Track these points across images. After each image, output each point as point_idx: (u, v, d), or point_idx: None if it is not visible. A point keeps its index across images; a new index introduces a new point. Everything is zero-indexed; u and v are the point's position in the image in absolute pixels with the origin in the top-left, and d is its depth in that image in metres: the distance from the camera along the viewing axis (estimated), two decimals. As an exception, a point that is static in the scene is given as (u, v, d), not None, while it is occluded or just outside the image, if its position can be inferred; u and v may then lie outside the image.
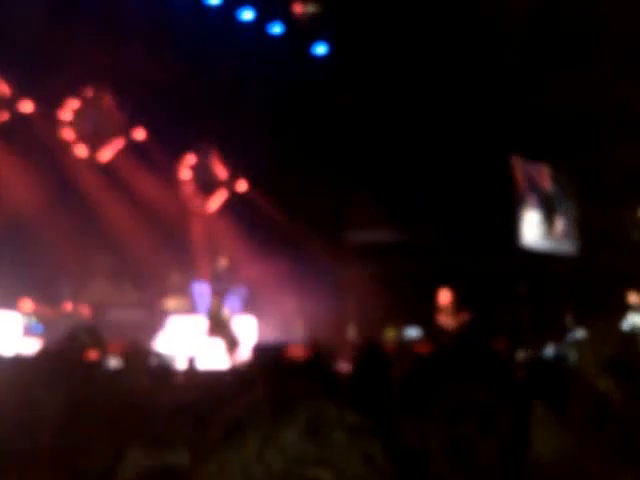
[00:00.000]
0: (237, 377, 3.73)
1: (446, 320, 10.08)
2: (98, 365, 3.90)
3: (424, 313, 10.48)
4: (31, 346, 7.32)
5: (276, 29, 12.06)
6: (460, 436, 1.14)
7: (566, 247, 13.48)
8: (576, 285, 10.96)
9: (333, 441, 0.79)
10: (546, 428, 1.41)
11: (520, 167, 12.95)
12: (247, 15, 11.69)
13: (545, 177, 13.59)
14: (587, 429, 1.69)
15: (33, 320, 8.74)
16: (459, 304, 10.13)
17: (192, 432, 1.80)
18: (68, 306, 9.37)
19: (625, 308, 10.42)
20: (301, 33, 12.13)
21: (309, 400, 0.83)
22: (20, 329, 8.56)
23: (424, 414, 1.16)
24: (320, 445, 0.78)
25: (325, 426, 0.80)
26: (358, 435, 0.80)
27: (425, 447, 1.14)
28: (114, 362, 4.26)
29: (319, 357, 5.64)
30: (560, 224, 13.58)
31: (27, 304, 8.98)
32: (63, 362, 2.94)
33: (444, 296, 10.12)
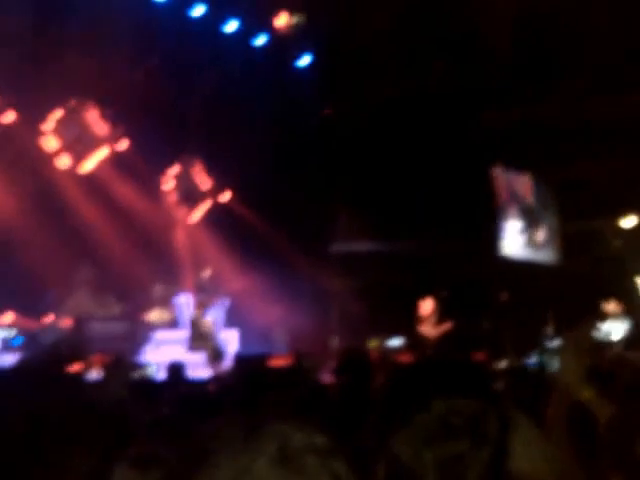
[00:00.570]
0: (219, 389, 3.74)
1: (428, 330, 10.15)
2: (79, 378, 3.89)
3: (407, 323, 10.54)
4: (10, 359, 7.26)
5: (260, 41, 12.12)
6: (450, 451, 1.12)
7: (546, 256, 13.61)
8: (556, 294, 11.06)
9: (303, 466, 0.81)
10: (527, 440, 1.38)
11: (501, 178, 13.08)
12: (231, 27, 11.74)
13: (526, 188, 13.73)
14: (569, 439, 1.70)
15: (14, 333, 8.66)
16: (441, 314, 10.21)
17: (171, 450, 1.81)
18: (50, 318, 9.29)
19: (603, 317, 10.56)
20: (285, 45, 12.20)
21: (278, 426, 0.85)
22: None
23: (409, 428, 1.14)
24: (291, 472, 0.80)
25: (295, 452, 0.82)
26: (327, 458, 0.82)
27: (415, 463, 1.13)
28: (95, 375, 4.25)
29: (302, 367, 5.66)
30: (541, 234, 13.71)
31: (8, 317, 8.90)
32: (44, 374, 2.94)
33: (426, 306, 10.21)
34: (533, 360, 7.48)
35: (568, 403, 1.79)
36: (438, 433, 1.13)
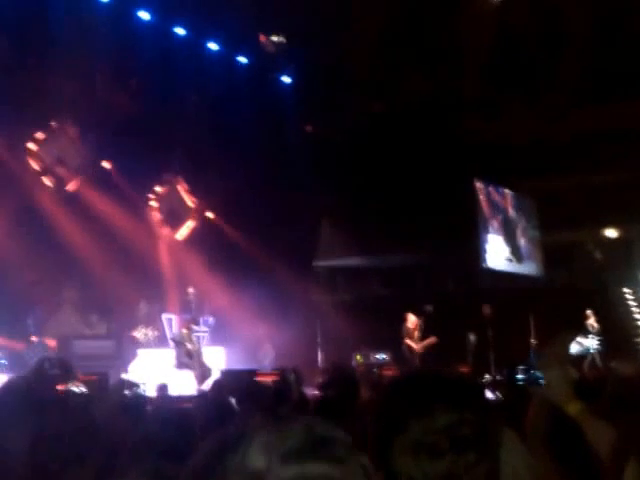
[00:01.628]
0: (206, 406, 3.77)
1: (413, 344, 10.24)
2: (67, 397, 3.89)
3: (391, 337, 10.59)
4: (-3, 381, 7.20)
5: (242, 59, 12.22)
6: (455, 463, 1.12)
7: (529, 268, 13.75)
8: (539, 306, 11.17)
9: (335, 455, 0.79)
10: (514, 454, 1.38)
11: (483, 191, 13.24)
12: (214, 46, 11.83)
13: (507, 201, 13.90)
14: (549, 453, 1.70)
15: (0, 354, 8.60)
16: (425, 329, 10.30)
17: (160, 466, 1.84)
18: (34, 339, 9.23)
19: (583, 328, 10.70)
20: (267, 64, 12.31)
21: (304, 417, 0.84)
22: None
23: (411, 439, 1.13)
24: (324, 458, 0.78)
25: (323, 440, 0.80)
26: (354, 449, 0.81)
27: (418, 474, 1.11)
28: (83, 394, 4.25)
29: (288, 383, 5.69)
30: (522, 247, 13.86)
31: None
32: (31, 396, 2.96)
33: (410, 321, 10.31)
34: (522, 375, 7.49)
35: (547, 416, 1.78)
36: (443, 445, 1.12)
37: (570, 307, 10.86)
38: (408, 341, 10.26)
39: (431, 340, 10.25)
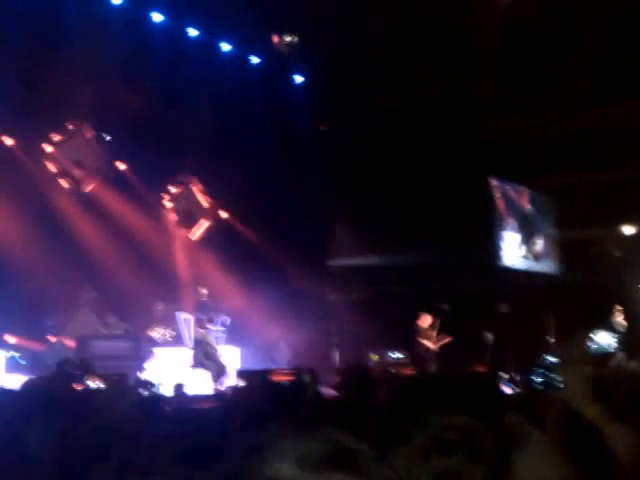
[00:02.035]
0: (222, 407, 3.78)
1: (427, 343, 10.22)
2: (87, 397, 3.92)
3: (407, 337, 10.57)
4: (16, 381, 7.28)
5: (255, 60, 12.24)
6: (444, 467, 1.12)
7: (546, 266, 13.65)
8: (556, 304, 11.08)
9: (360, 467, 0.80)
10: (538, 457, 1.35)
11: (499, 189, 13.16)
12: (226, 47, 11.87)
13: (524, 198, 13.80)
14: (569, 456, 1.67)
15: (17, 355, 8.68)
16: (439, 328, 10.27)
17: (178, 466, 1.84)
18: (53, 340, 9.32)
19: (604, 326, 10.57)
20: (280, 63, 12.32)
21: (331, 430, 0.84)
22: (2, 366, 8.48)
23: (406, 444, 1.14)
24: (351, 472, 0.79)
25: (350, 453, 0.81)
26: (380, 463, 0.83)
27: (410, 478, 1.13)
28: (103, 393, 4.28)
29: (303, 383, 5.69)
30: (539, 244, 13.76)
31: (11, 339, 8.92)
32: (51, 394, 2.98)
33: (424, 320, 10.29)
34: (537, 378, 7.42)
35: (565, 419, 1.74)
36: (432, 449, 1.13)
37: (589, 305, 10.75)
38: (424, 341, 10.23)
39: (446, 339, 10.23)
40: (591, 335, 9.69)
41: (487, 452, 1.16)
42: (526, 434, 1.31)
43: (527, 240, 13.51)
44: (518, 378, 8.32)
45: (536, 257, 13.60)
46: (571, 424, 1.72)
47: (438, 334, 10.29)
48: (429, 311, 10.34)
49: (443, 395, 1.21)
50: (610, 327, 10.69)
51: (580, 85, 11.84)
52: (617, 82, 11.70)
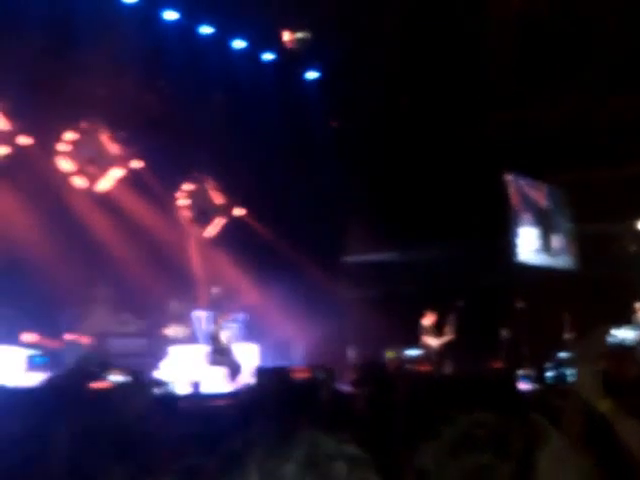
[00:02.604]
0: (241, 404, 3.77)
1: (429, 341, 10.27)
2: (105, 395, 3.92)
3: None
4: (36, 379, 7.33)
5: (268, 57, 12.23)
6: (473, 463, 1.12)
7: (563, 262, 13.54)
8: (574, 300, 10.99)
9: (332, 473, 0.80)
10: (558, 455, 1.35)
11: (514, 184, 13.07)
12: (239, 44, 11.87)
13: (540, 193, 13.70)
14: (591, 453, 1.64)
15: (37, 353, 8.74)
16: (443, 325, 10.32)
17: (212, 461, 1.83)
18: (70, 337, 9.37)
19: (623, 321, 10.46)
20: (292, 60, 12.30)
21: (308, 434, 0.84)
22: (23, 364, 8.55)
23: (435, 441, 1.15)
24: (319, 477, 0.79)
25: (324, 458, 0.81)
26: (356, 466, 0.82)
27: (440, 475, 1.13)
28: (120, 390, 4.28)
29: (319, 380, 5.67)
30: (556, 239, 13.65)
31: (30, 337, 8.99)
32: (71, 392, 2.98)
33: (428, 318, 10.37)
34: (550, 373, 7.38)
35: (584, 416, 1.73)
36: (462, 446, 1.13)
37: (606, 301, 10.66)
38: (426, 338, 10.29)
39: (449, 336, 10.26)
40: (613, 330, 9.61)
41: (515, 450, 1.16)
42: (546, 433, 1.30)
43: (543, 235, 13.41)
44: (533, 374, 8.28)
45: (553, 252, 13.50)
46: (590, 423, 1.70)
47: (442, 332, 10.33)
48: (437, 308, 10.36)
49: (467, 392, 1.21)
50: (631, 322, 10.59)
51: (598, 77, 11.72)
52: (635, 75, 11.56)
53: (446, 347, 10.22)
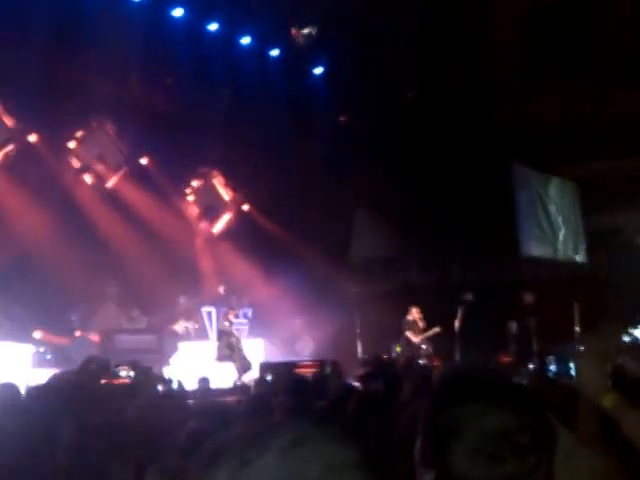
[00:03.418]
0: (250, 399, 3.78)
1: (410, 337, 10.31)
2: (110, 392, 3.95)
3: (432, 328, 10.53)
4: (43, 375, 7.38)
5: (275, 52, 12.21)
6: (502, 474, 1.09)
7: (570, 255, 13.47)
8: (582, 293, 10.94)
9: (309, 472, 0.74)
10: (570, 455, 1.34)
11: (522, 177, 13.00)
12: (246, 40, 11.86)
13: (548, 186, 13.63)
14: (609, 452, 1.63)
15: (44, 350, 8.79)
16: (427, 320, 10.37)
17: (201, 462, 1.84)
18: (78, 334, 9.43)
19: (633, 314, 10.38)
20: (299, 55, 12.28)
21: (288, 425, 0.79)
22: (30, 360, 8.60)
23: (469, 441, 1.11)
24: (300, 457, 0.74)
25: (308, 439, 0.76)
26: (336, 466, 0.75)
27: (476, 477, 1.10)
28: (125, 388, 4.31)
29: (326, 375, 5.68)
30: (564, 232, 13.59)
31: (38, 334, 9.05)
32: (78, 388, 3.01)
33: (411, 313, 10.41)
34: (554, 367, 7.32)
35: (596, 414, 1.69)
36: (504, 451, 1.10)
37: (614, 294, 10.60)
38: (408, 333, 10.32)
39: (435, 330, 10.29)
40: (629, 328, 9.54)
41: (549, 453, 1.15)
42: (558, 433, 1.29)
43: (551, 228, 13.35)
44: (535, 367, 8.26)
45: (560, 245, 13.43)
46: (600, 420, 1.69)
47: (426, 327, 10.38)
48: (415, 305, 10.44)
49: (484, 395, 1.17)
50: None
51: (605, 69, 11.63)
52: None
53: (429, 342, 10.30)
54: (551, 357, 7.59)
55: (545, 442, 1.14)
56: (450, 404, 1.18)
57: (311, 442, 0.76)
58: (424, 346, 10.37)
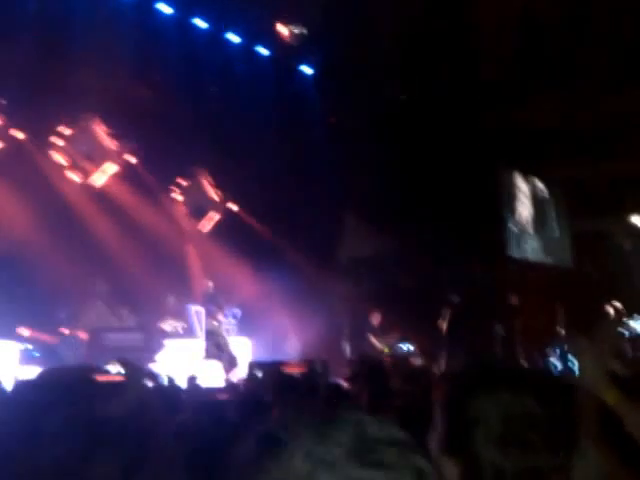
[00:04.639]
0: (239, 399, 3.79)
1: (373, 341, 10.38)
2: (98, 388, 3.94)
3: (418, 328, 10.57)
4: (30, 374, 7.34)
5: (263, 51, 12.21)
6: (534, 465, 1.10)
7: (557, 257, 13.59)
8: (568, 295, 11.04)
9: (383, 459, 0.76)
10: (587, 457, 1.37)
11: (509, 180, 13.10)
12: (234, 38, 11.84)
13: (535, 188, 13.74)
14: (609, 446, 1.63)
15: (31, 348, 8.74)
16: (388, 325, 10.45)
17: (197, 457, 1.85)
18: (66, 332, 9.38)
19: (618, 315, 10.50)
20: (288, 55, 12.28)
21: (352, 416, 0.80)
22: (17, 358, 8.55)
23: (483, 436, 1.11)
24: (371, 465, 0.75)
25: (373, 444, 0.76)
26: (407, 451, 0.77)
27: (498, 468, 1.10)
28: (113, 385, 4.29)
29: (316, 375, 5.70)
30: (550, 235, 13.70)
31: (25, 332, 8.98)
32: (63, 386, 3.00)
33: (374, 318, 10.46)
34: (555, 363, 7.37)
35: (597, 408, 1.71)
36: (539, 442, 1.11)
37: (600, 295, 10.70)
38: (371, 338, 10.39)
39: (395, 335, 10.37)
40: (625, 320, 9.63)
41: (577, 448, 1.17)
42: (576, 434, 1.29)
43: (538, 231, 13.45)
44: (528, 365, 8.33)
45: (547, 248, 13.54)
46: (606, 418, 1.70)
47: (390, 332, 10.45)
48: (378, 309, 10.49)
49: (514, 386, 1.16)
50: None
51: (594, 73, 11.73)
52: (632, 70, 11.59)
53: (391, 347, 10.36)
54: (553, 353, 7.61)
55: (576, 438, 1.17)
56: (477, 392, 1.17)
57: (376, 447, 0.79)
58: (387, 350, 10.42)
